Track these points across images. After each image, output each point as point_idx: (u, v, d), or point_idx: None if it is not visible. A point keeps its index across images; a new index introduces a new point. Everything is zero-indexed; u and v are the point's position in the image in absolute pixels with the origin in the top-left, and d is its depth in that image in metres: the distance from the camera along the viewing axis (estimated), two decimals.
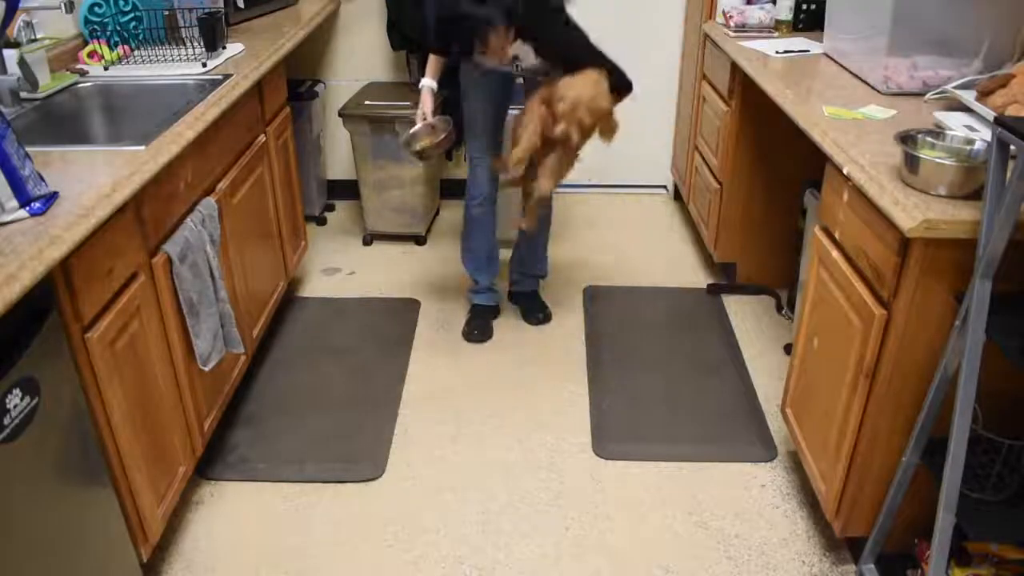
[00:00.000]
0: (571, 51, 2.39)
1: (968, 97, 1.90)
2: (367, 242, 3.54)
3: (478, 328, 2.86)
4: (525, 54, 2.45)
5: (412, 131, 2.61)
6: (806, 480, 2.21)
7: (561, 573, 1.95)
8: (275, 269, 2.73)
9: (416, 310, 3.03)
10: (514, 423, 2.45)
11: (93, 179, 1.61)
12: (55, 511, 1.44)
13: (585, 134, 2.35)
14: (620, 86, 2.38)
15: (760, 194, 2.97)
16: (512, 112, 2.81)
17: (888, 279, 1.59)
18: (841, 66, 2.41)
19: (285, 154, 2.84)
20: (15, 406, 1.31)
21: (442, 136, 2.57)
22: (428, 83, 2.62)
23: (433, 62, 2.63)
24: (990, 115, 1.75)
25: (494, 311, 2.95)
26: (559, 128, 2.29)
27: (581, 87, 2.29)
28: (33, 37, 2.22)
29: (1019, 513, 1.55)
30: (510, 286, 3.03)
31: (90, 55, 2.44)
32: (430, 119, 2.62)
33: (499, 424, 2.44)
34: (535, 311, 2.95)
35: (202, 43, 2.48)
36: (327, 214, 3.81)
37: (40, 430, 1.39)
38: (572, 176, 3.98)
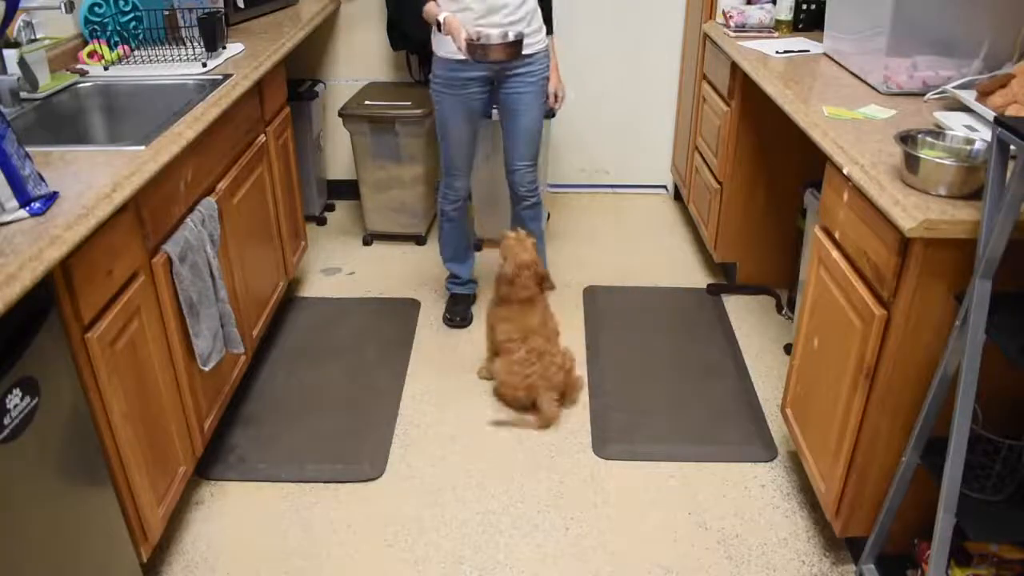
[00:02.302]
0: None
1: (968, 97, 1.90)
2: (367, 242, 3.54)
3: (459, 314, 2.94)
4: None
5: (481, 41, 2.37)
6: (806, 480, 2.21)
7: (561, 573, 1.95)
8: (275, 269, 2.73)
9: (416, 310, 3.03)
10: None
11: (93, 179, 1.61)
12: (55, 511, 1.44)
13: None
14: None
15: (760, 194, 2.97)
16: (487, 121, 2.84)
17: (888, 279, 1.59)
18: (841, 66, 2.41)
19: (285, 154, 2.84)
20: (15, 406, 1.31)
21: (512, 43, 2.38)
22: (445, 14, 2.39)
23: (431, 5, 2.44)
24: (990, 115, 1.75)
25: (471, 299, 3.05)
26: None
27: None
28: (33, 37, 2.22)
29: (1019, 513, 1.55)
30: None
31: (90, 55, 2.44)
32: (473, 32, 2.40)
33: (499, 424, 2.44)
34: None
35: (202, 43, 2.48)
36: (327, 214, 3.81)
37: (40, 430, 1.39)
38: (573, 176, 4.02)
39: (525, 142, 2.67)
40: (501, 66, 2.50)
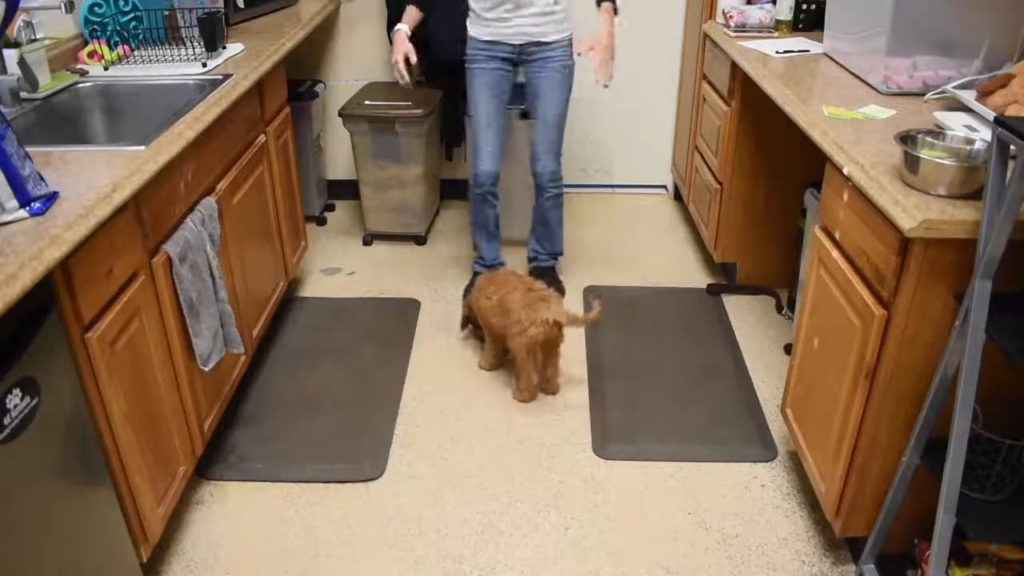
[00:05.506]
0: None
1: (968, 97, 1.90)
2: (367, 242, 3.54)
3: None
4: None
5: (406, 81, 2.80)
6: (806, 480, 2.21)
7: (561, 573, 1.95)
8: (275, 269, 2.73)
9: (416, 310, 3.03)
10: (514, 423, 2.45)
11: (93, 179, 1.61)
12: (55, 511, 1.44)
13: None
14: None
15: (760, 194, 2.97)
16: (511, 110, 2.89)
17: (888, 279, 1.59)
18: (841, 66, 2.41)
19: (285, 154, 2.84)
20: (15, 406, 1.31)
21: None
22: (403, 27, 2.76)
23: (411, 11, 2.78)
24: (990, 115, 1.75)
25: None
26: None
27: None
28: (33, 37, 2.22)
29: (1019, 513, 1.55)
30: (529, 262, 3.15)
31: (90, 55, 2.44)
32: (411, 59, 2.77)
33: (499, 424, 2.44)
34: (550, 286, 2.99)
35: (202, 43, 2.48)
36: (327, 214, 3.81)
37: (40, 430, 1.39)
38: (573, 176, 4.02)
39: (545, 128, 2.82)
40: (520, 49, 2.72)
